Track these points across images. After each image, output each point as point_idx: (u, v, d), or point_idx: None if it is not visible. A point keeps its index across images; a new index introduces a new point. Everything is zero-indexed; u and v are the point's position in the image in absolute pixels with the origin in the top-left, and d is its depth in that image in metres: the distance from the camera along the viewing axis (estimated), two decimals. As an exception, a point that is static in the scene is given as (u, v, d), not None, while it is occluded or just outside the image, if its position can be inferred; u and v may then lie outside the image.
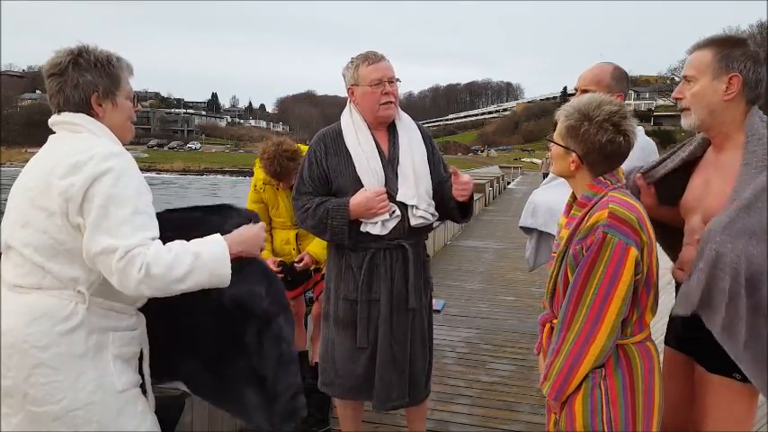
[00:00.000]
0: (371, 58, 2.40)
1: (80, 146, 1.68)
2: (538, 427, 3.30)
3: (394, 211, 2.39)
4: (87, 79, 1.73)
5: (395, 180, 2.42)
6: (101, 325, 1.70)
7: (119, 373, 1.72)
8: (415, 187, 2.43)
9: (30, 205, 1.68)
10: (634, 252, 1.57)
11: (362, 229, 2.39)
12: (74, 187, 1.60)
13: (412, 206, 2.42)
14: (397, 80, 2.45)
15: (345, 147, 2.43)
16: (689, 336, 1.92)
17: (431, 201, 2.48)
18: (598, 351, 1.60)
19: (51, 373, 1.63)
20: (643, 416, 1.64)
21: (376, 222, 2.37)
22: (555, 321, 1.73)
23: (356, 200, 2.35)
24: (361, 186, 2.38)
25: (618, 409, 1.63)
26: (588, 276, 1.59)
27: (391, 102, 2.41)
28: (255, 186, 3.32)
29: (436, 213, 2.51)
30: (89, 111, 1.74)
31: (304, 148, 3.37)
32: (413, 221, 2.43)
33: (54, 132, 1.80)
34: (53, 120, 1.76)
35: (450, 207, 2.50)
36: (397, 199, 2.40)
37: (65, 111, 1.74)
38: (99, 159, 1.63)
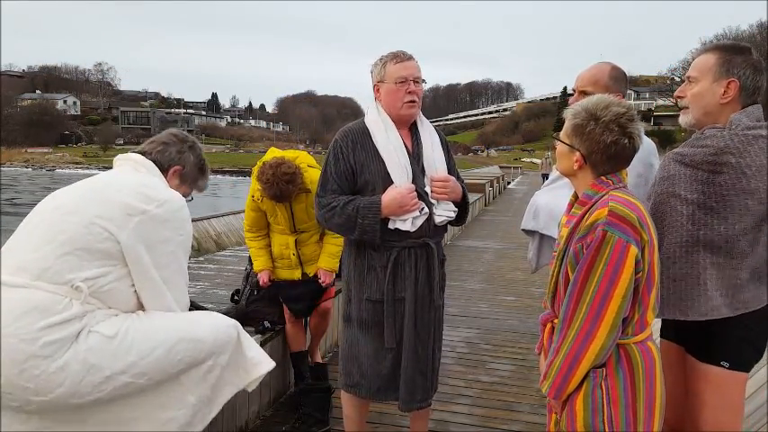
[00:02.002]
0: (400, 57, 2.41)
1: (151, 182, 1.97)
2: (538, 427, 3.30)
3: (423, 209, 2.39)
4: (188, 158, 2.16)
5: (421, 177, 2.44)
6: (97, 317, 1.80)
7: (104, 322, 1.79)
8: None
9: (85, 202, 1.85)
10: (634, 250, 1.57)
11: (391, 226, 2.38)
12: (146, 214, 1.85)
13: (433, 203, 2.44)
14: (423, 81, 2.46)
15: (372, 143, 2.42)
16: (681, 326, 1.98)
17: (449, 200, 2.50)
18: (598, 349, 1.60)
19: (43, 363, 1.67)
20: (644, 416, 1.64)
21: (406, 220, 2.37)
22: (556, 321, 1.73)
23: (388, 197, 2.34)
24: (390, 183, 2.37)
25: (619, 409, 1.62)
26: (588, 274, 1.59)
27: (414, 101, 2.42)
28: (253, 197, 3.28)
29: (456, 209, 2.52)
30: (164, 171, 2.09)
31: (303, 155, 3.35)
32: (436, 219, 2.44)
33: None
34: (127, 156, 2.09)
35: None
36: (428, 193, 2.42)
37: (148, 156, 2.08)
38: (178, 204, 1.96)
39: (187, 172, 2.16)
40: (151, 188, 1.92)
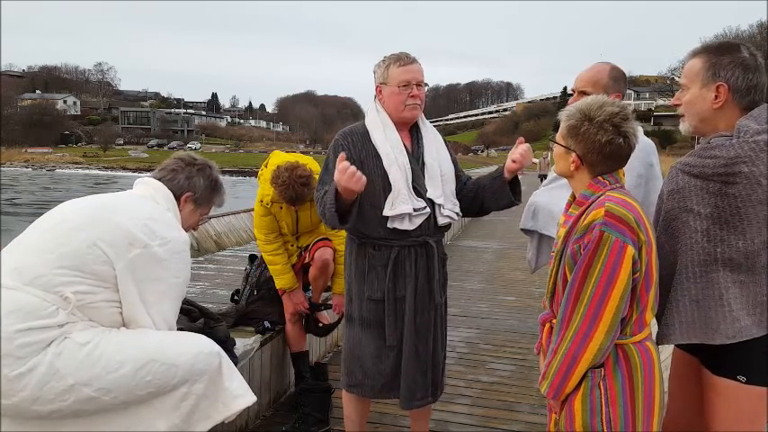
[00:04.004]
0: (404, 60, 2.41)
1: (162, 217, 1.96)
2: (538, 427, 3.31)
3: (424, 207, 2.39)
4: (198, 182, 2.15)
5: (421, 177, 2.44)
6: (76, 327, 1.78)
7: (82, 331, 1.77)
8: (442, 187, 2.47)
9: (94, 221, 1.85)
10: (631, 250, 1.57)
11: (390, 225, 2.38)
12: (147, 249, 1.84)
13: (439, 205, 2.44)
14: (426, 84, 2.47)
15: (372, 143, 2.42)
16: None
17: (455, 200, 2.51)
18: (596, 349, 1.60)
19: (14, 364, 1.66)
20: (643, 416, 1.64)
21: (403, 218, 2.37)
22: (555, 321, 1.74)
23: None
24: (388, 181, 2.37)
25: (617, 409, 1.63)
26: (585, 275, 1.60)
27: (417, 104, 2.43)
28: (262, 201, 3.25)
29: (460, 213, 2.53)
30: (177, 198, 2.10)
31: (311, 162, 3.32)
32: (440, 220, 2.45)
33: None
34: (147, 181, 2.09)
35: (496, 191, 2.45)
36: (427, 196, 2.42)
37: (165, 183, 2.08)
38: (180, 246, 1.94)
39: (199, 196, 2.16)
40: (159, 224, 1.91)
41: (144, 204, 1.97)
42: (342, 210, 2.29)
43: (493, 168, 2.69)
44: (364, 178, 2.21)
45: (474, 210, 2.59)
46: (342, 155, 2.25)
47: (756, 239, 1.70)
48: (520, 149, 2.36)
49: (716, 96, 1.77)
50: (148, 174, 2.17)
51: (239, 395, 2.00)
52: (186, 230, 2.15)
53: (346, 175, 2.17)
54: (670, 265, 1.83)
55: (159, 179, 2.10)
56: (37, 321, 1.69)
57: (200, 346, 1.96)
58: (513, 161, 2.36)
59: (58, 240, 1.79)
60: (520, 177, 2.49)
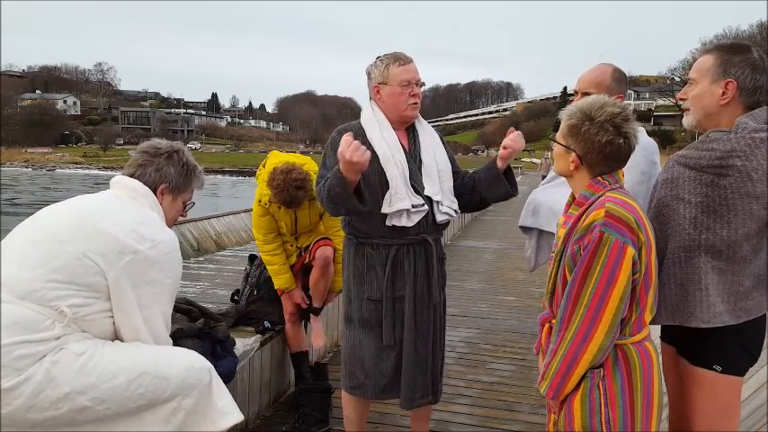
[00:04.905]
0: (402, 59, 2.42)
1: (148, 219, 1.92)
2: (538, 427, 3.31)
3: (422, 205, 2.39)
4: (169, 171, 2.05)
5: (419, 174, 2.44)
6: (72, 338, 1.77)
7: (77, 342, 1.76)
8: (439, 184, 2.47)
9: (80, 232, 1.81)
10: (631, 251, 1.57)
11: (388, 222, 2.38)
12: (138, 254, 1.81)
13: (437, 202, 2.44)
14: (423, 83, 2.48)
15: (368, 141, 2.42)
16: (674, 328, 1.97)
17: (453, 198, 2.51)
18: (596, 350, 1.60)
19: (10, 375, 1.66)
20: (642, 416, 1.65)
21: (401, 215, 2.37)
22: (554, 321, 1.74)
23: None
24: (385, 178, 2.37)
25: (616, 410, 1.63)
26: (585, 276, 1.60)
27: (417, 103, 2.45)
28: (260, 201, 3.24)
29: (458, 210, 2.54)
30: (154, 193, 2.03)
31: (309, 162, 3.31)
32: (438, 217, 2.45)
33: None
34: (120, 180, 2.01)
35: (491, 182, 2.47)
36: (425, 193, 2.42)
37: (137, 179, 2.00)
38: (171, 246, 1.91)
39: (174, 185, 2.08)
40: (147, 227, 1.88)
41: (127, 208, 1.93)
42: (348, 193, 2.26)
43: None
44: (369, 153, 2.20)
45: (474, 204, 2.59)
46: (350, 134, 2.23)
47: (740, 230, 1.76)
48: (510, 136, 2.38)
49: (723, 93, 1.83)
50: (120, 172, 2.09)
51: (228, 413, 1.98)
52: (172, 222, 2.11)
53: (351, 146, 2.15)
54: (660, 251, 1.86)
55: (130, 176, 2.02)
56: (34, 335, 1.68)
57: (192, 361, 1.95)
58: (504, 147, 2.38)
59: (46, 254, 1.77)
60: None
